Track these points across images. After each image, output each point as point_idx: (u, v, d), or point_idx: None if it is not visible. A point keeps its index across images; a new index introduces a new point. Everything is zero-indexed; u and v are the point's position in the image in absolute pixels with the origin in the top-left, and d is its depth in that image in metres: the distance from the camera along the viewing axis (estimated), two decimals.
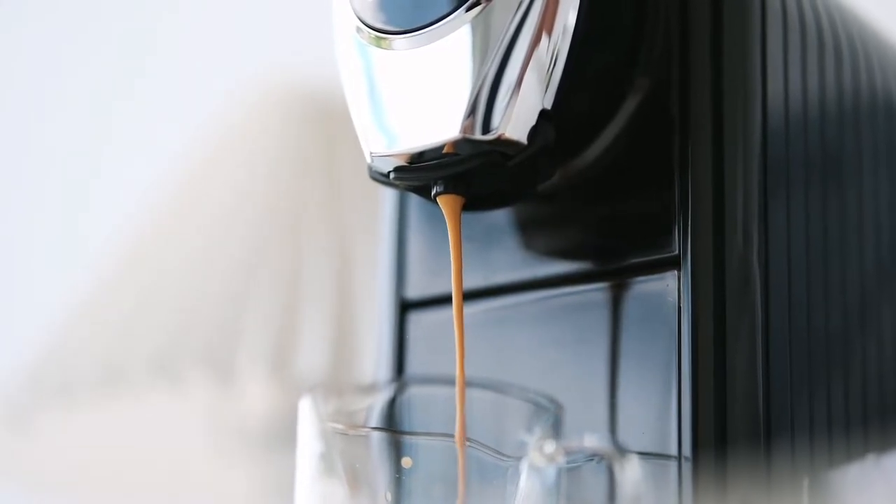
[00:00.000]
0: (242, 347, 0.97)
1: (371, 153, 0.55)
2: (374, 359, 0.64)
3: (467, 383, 0.52)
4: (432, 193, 0.55)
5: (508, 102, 0.53)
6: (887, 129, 0.65)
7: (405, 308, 0.63)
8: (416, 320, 0.62)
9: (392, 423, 0.52)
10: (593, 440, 0.50)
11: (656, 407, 0.55)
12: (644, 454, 0.53)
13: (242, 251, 1.02)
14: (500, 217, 0.60)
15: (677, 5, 0.58)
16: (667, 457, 0.54)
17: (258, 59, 1.27)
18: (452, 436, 0.51)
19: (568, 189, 0.58)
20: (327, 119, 1.07)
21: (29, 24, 1.57)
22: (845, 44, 0.62)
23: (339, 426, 0.51)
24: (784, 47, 0.58)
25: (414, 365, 0.62)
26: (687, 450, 0.53)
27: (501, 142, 0.53)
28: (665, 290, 0.55)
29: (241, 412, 1.04)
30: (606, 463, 0.50)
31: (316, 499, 0.50)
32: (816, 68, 0.60)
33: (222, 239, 1.03)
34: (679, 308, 0.55)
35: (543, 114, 0.54)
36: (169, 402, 1.01)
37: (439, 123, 0.54)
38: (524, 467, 0.50)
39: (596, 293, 0.57)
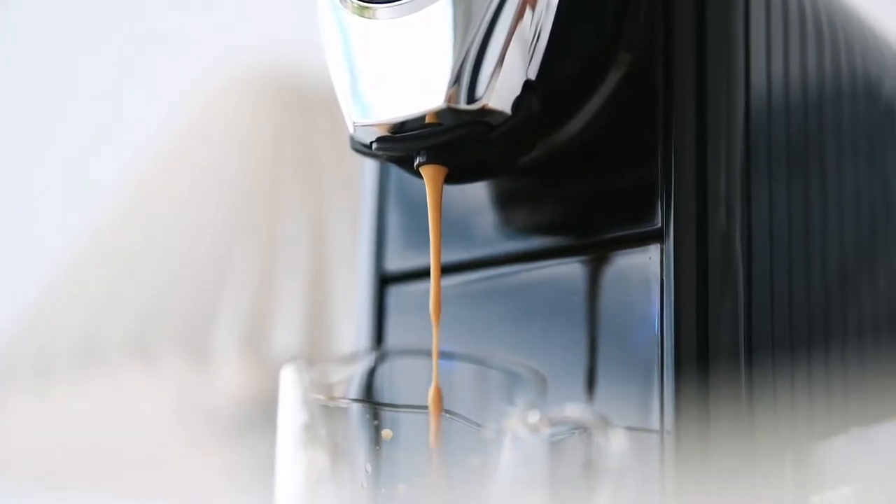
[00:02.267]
0: (218, 327, 0.96)
1: (353, 123, 0.55)
2: (354, 333, 0.64)
3: (448, 355, 0.51)
4: (415, 164, 0.55)
5: (493, 72, 0.53)
6: (866, 110, 0.65)
7: (385, 281, 0.63)
8: (396, 293, 0.62)
9: (372, 395, 0.52)
10: (577, 410, 0.50)
11: (639, 380, 0.55)
12: (626, 428, 0.52)
13: (217, 231, 1.01)
14: (482, 190, 0.60)
15: None
16: (649, 430, 0.54)
17: (232, 41, 1.26)
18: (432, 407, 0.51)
19: (551, 161, 0.58)
20: (302, 98, 1.07)
21: (20, 11, 1.57)
22: (826, 24, 0.62)
23: (320, 397, 0.51)
24: (767, 24, 0.58)
25: (393, 339, 0.62)
26: (669, 423, 0.53)
27: (486, 111, 0.53)
28: (648, 263, 0.55)
29: (216, 392, 1.04)
30: (591, 434, 0.50)
31: (298, 468, 0.50)
32: (798, 47, 0.60)
33: (197, 219, 1.03)
34: (661, 281, 0.55)
35: (528, 84, 0.54)
36: (144, 382, 1.00)
37: (423, 93, 0.53)
38: (507, 439, 0.50)
39: (578, 266, 0.57)
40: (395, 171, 0.62)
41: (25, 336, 1.03)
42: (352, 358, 0.55)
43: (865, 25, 0.66)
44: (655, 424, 0.54)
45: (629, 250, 0.56)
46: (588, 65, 0.58)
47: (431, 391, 0.50)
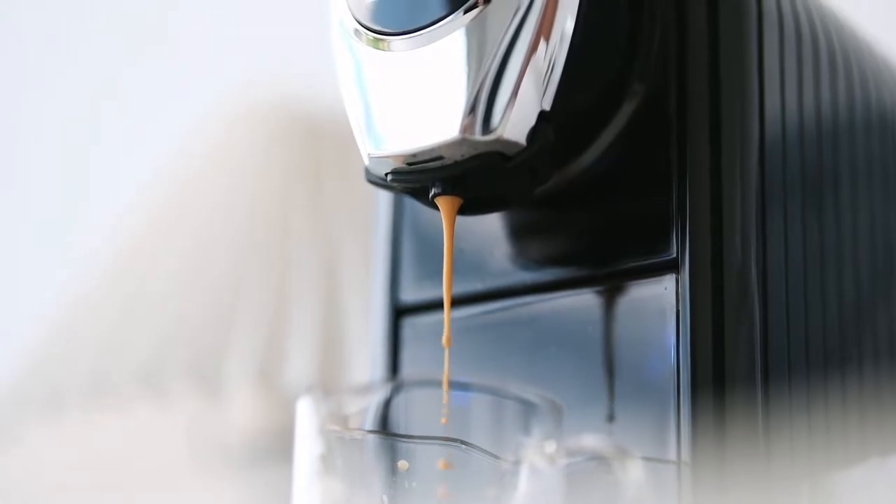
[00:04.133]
0: (230, 359, 0.96)
1: (368, 155, 0.55)
2: (368, 365, 0.64)
3: (464, 385, 0.51)
4: (430, 195, 0.55)
5: (507, 103, 0.53)
6: (880, 139, 0.65)
7: (399, 313, 0.62)
8: (411, 325, 0.62)
9: (388, 426, 0.52)
10: (594, 440, 0.50)
11: (655, 411, 0.54)
12: (643, 458, 0.52)
13: (229, 262, 1.01)
14: (499, 221, 0.60)
15: (674, 13, 0.58)
16: (666, 461, 0.53)
17: (245, 73, 1.26)
18: (449, 439, 0.50)
19: (566, 192, 0.58)
20: (314, 131, 1.07)
21: (23, 33, 1.57)
22: (839, 54, 0.62)
23: (336, 428, 0.51)
24: (780, 54, 0.58)
25: (408, 371, 0.62)
26: (686, 454, 0.53)
27: (501, 142, 0.53)
28: (663, 293, 0.55)
29: (229, 424, 1.03)
30: (608, 464, 0.50)
31: (314, 500, 0.50)
32: (812, 77, 0.60)
33: (209, 250, 1.03)
34: (677, 311, 0.55)
35: (542, 115, 0.54)
36: (155, 414, 1.00)
37: (438, 124, 0.53)
38: (524, 469, 0.50)
39: (593, 297, 0.57)
40: (409, 203, 0.62)
41: (37, 369, 1.03)
42: (368, 388, 0.55)
43: (878, 55, 0.66)
44: (672, 455, 0.53)
45: (644, 280, 0.56)
46: (602, 96, 0.58)
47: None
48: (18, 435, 1.02)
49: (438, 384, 0.52)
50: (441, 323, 0.55)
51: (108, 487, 1.11)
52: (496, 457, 0.50)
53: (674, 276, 0.55)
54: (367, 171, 0.56)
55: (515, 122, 0.53)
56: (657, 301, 0.55)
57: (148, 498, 1.10)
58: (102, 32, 1.51)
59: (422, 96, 0.54)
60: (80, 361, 1.01)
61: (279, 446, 0.99)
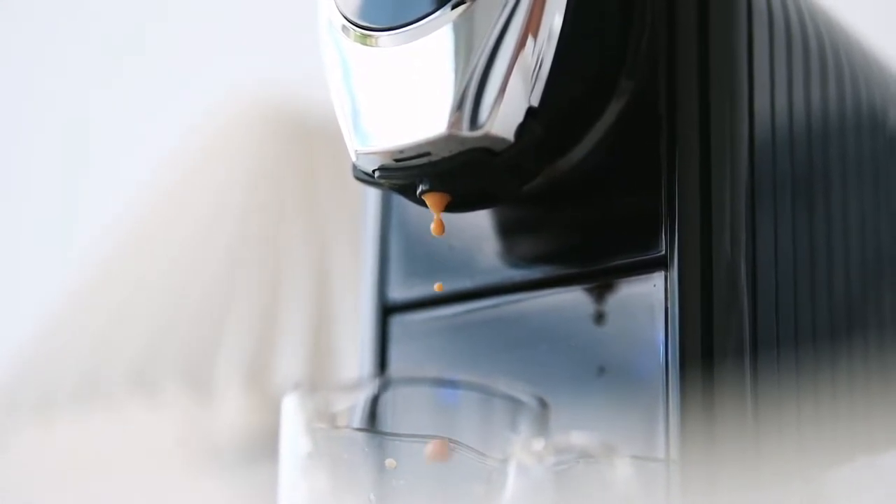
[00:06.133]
0: (221, 360, 0.96)
1: (356, 151, 0.55)
2: (357, 364, 0.63)
3: (452, 383, 0.51)
4: (418, 192, 0.55)
5: (495, 99, 0.53)
6: (871, 138, 0.65)
7: (387, 311, 0.62)
8: (399, 323, 0.62)
9: (375, 424, 0.51)
10: (582, 438, 0.50)
11: (644, 408, 0.54)
12: (632, 456, 0.52)
13: (221, 264, 1.01)
14: (488, 218, 0.60)
15: (663, 9, 0.58)
16: (654, 459, 0.53)
17: (238, 74, 1.26)
18: (437, 437, 0.50)
19: (554, 189, 0.58)
20: (306, 132, 1.07)
21: (19, 31, 1.57)
22: (831, 54, 0.62)
23: (323, 426, 0.51)
24: (770, 51, 0.58)
25: (396, 369, 0.62)
26: (675, 452, 0.53)
27: (488, 138, 0.53)
28: (652, 290, 0.55)
29: (220, 425, 1.03)
30: (596, 462, 0.50)
31: (300, 497, 0.49)
32: (802, 75, 0.60)
33: (200, 251, 1.03)
34: (666, 308, 0.54)
35: (530, 111, 0.54)
36: (147, 415, 1.00)
37: (425, 120, 0.53)
38: (511, 467, 0.49)
39: (582, 294, 0.57)
40: (398, 201, 0.62)
41: (29, 370, 1.03)
42: (355, 386, 0.54)
43: (869, 54, 0.66)
44: (661, 453, 0.53)
45: (634, 278, 0.56)
46: (591, 92, 0.58)
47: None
48: (9, 435, 1.02)
49: (426, 382, 0.51)
50: (429, 321, 0.55)
51: (98, 487, 1.10)
52: (484, 454, 0.50)
53: (663, 273, 0.55)
54: (355, 168, 0.56)
55: (503, 118, 0.53)
56: (646, 298, 0.55)
57: (139, 497, 1.10)
58: (101, 33, 1.50)
59: (409, 92, 0.54)
60: (71, 361, 1.01)
61: (270, 446, 0.99)
